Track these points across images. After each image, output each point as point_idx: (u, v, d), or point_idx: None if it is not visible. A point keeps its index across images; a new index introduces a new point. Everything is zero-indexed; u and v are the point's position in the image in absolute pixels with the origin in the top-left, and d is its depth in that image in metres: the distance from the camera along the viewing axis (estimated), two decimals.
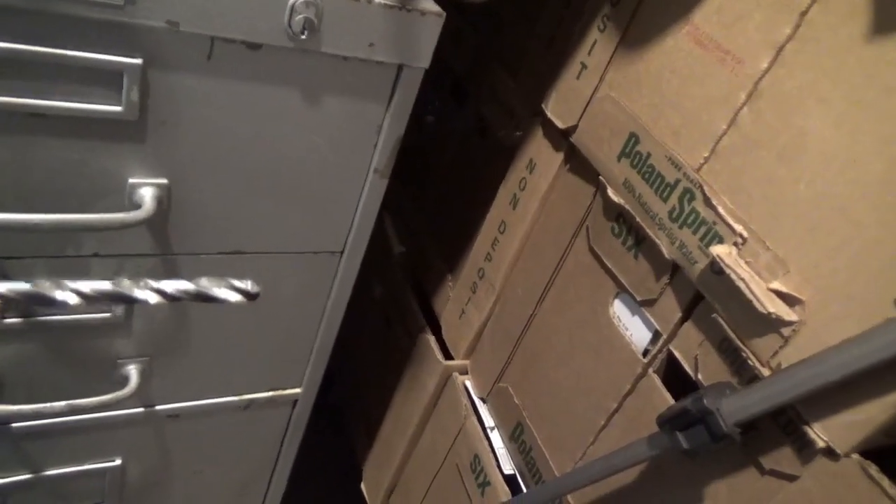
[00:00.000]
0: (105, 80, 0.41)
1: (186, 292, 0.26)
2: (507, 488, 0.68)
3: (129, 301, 0.26)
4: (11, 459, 0.59)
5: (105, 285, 0.26)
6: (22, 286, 0.25)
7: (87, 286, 0.26)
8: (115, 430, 0.62)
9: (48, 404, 0.52)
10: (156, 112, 0.43)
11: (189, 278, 0.26)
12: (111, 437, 0.62)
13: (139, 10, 0.38)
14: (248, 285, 0.27)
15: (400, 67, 0.48)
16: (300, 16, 0.41)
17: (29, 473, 0.61)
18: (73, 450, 0.62)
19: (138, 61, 0.40)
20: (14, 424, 0.56)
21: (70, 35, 0.38)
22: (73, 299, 0.26)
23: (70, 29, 0.38)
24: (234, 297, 0.27)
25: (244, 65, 0.43)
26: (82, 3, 0.37)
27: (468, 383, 0.78)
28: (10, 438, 0.57)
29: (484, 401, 0.77)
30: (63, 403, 0.52)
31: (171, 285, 0.26)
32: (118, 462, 0.64)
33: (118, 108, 0.42)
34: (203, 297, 0.27)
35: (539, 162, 0.66)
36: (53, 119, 0.41)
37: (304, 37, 0.42)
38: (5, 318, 0.48)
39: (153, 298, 0.27)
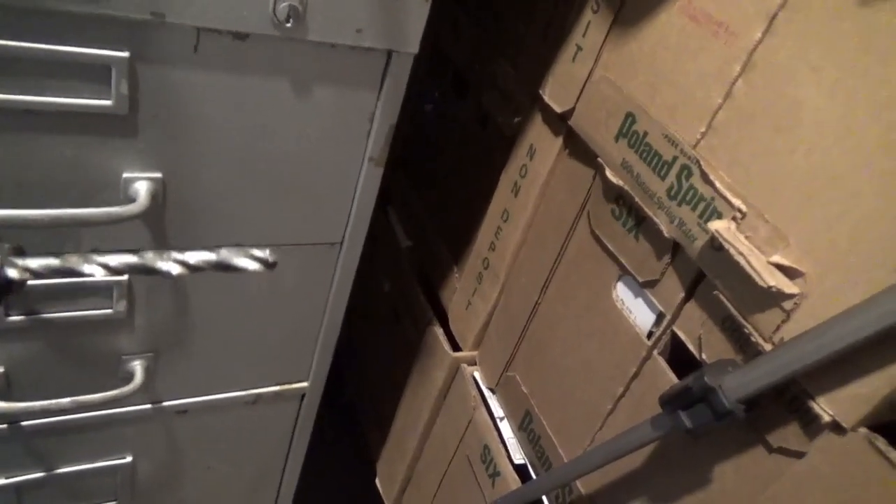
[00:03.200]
0: (94, 75, 0.41)
1: (208, 262, 0.28)
2: (517, 478, 0.68)
3: (154, 273, 0.27)
4: (24, 457, 0.60)
5: (130, 258, 0.27)
6: (51, 261, 0.26)
7: (113, 259, 0.27)
8: (125, 426, 0.62)
9: (54, 401, 0.53)
10: (146, 106, 0.44)
11: (210, 249, 0.27)
12: (121, 434, 0.63)
13: (123, 2, 0.39)
14: (266, 254, 0.28)
15: (389, 54, 0.48)
16: (284, 3, 0.41)
17: (42, 471, 0.62)
18: (84, 447, 0.62)
19: (125, 54, 0.41)
20: (24, 422, 0.57)
21: (56, 30, 0.38)
22: (99, 272, 0.27)
23: (56, 24, 0.38)
24: (254, 266, 0.28)
25: (232, 56, 0.44)
26: None
27: (477, 374, 0.78)
28: (21, 436, 0.58)
29: (493, 391, 0.76)
30: (69, 400, 0.53)
31: (194, 256, 0.28)
32: (129, 459, 0.65)
33: (108, 103, 0.42)
34: (224, 267, 0.28)
35: (539, 148, 0.66)
36: (45, 115, 0.41)
37: (289, 25, 0.42)
38: (10, 315, 0.49)
39: (176, 269, 0.27)
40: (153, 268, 0.27)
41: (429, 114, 0.93)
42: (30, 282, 0.27)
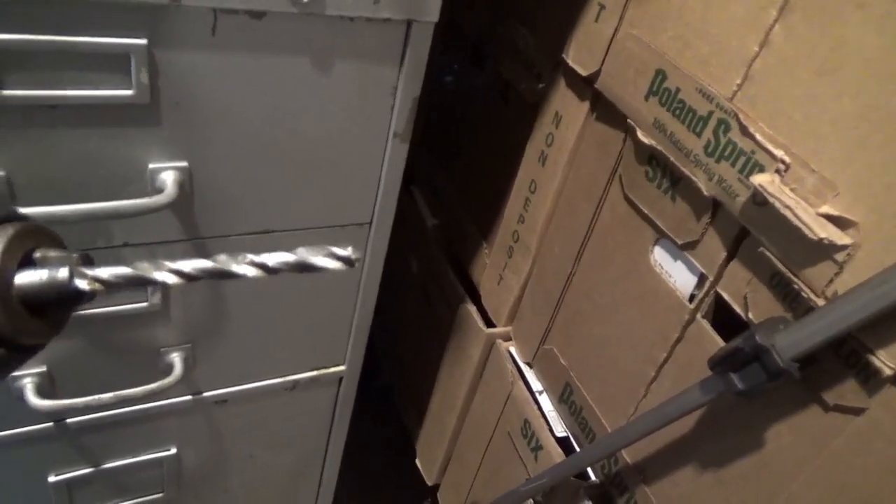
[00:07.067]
0: (113, 64, 0.40)
1: (287, 263, 0.25)
2: (560, 451, 0.67)
3: (230, 276, 0.26)
4: (72, 454, 0.61)
5: (205, 263, 0.25)
6: (123, 270, 0.25)
7: (187, 265, 0.25)
8: (167, 419, 0.63)
9: (96, 396, 0.53)
10: (168, 93, 0.43)
11: (288, 249, 0.26)
12: (164, 426, 0.63)
13: None
14: (348, 251, 0.26)
15: (409, 24, 0.46)
16: None
17: (90, 467, 0.63)
18: (129, 441, 0.63)
19: (143, 41, 0.40)
20: (69, 420, 0.58)
21: (72, 20, 0.38)
22: (172, 279, 0.25)
23: (72, 14, 0.38)
24: (335, 265, 0.26)
25: (250, 36, 0.43)
26: None
27: (512, 349, 0.77)
28: (67, 433, 0.59)
29: (530, 365, 0.75)
30: (111, 395, 0.53)
31: (272, 258, 0.25)
32: (173, 451, 0.66)
33: (129, 92, 0.41)
34: (304, 267, 0.26)
35: (565, 114, 0.64)
36: (68, 109, 0.41)
37: (305, 0, 0.41)
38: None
39: (252, 272, 0.25)
40: (229, 271, 0.25)
41: (448, 89, 0.91)
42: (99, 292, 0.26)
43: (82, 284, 0.25)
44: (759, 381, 0.41)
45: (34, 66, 0.39)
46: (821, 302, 0.41)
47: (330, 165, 0.52)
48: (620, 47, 0.55)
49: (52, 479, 0.61)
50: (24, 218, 0.26)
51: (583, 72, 0.59)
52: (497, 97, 0.77)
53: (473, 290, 0.83)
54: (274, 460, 0.75)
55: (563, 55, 0.61)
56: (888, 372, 0.37)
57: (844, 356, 0.40)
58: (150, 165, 0.45)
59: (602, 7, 0.57)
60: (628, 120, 0.55)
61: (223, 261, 0.25)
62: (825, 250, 0.39)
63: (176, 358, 0.57)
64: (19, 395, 0.52)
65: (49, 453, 0.60)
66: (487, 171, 0.81)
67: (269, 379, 0.65)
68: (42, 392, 0.53)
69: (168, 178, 0.46)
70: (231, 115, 0.46)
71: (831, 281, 0.40)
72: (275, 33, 0.43)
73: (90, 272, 0.25)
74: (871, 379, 0.39)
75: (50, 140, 0.42)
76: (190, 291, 0.54)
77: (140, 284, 0.25)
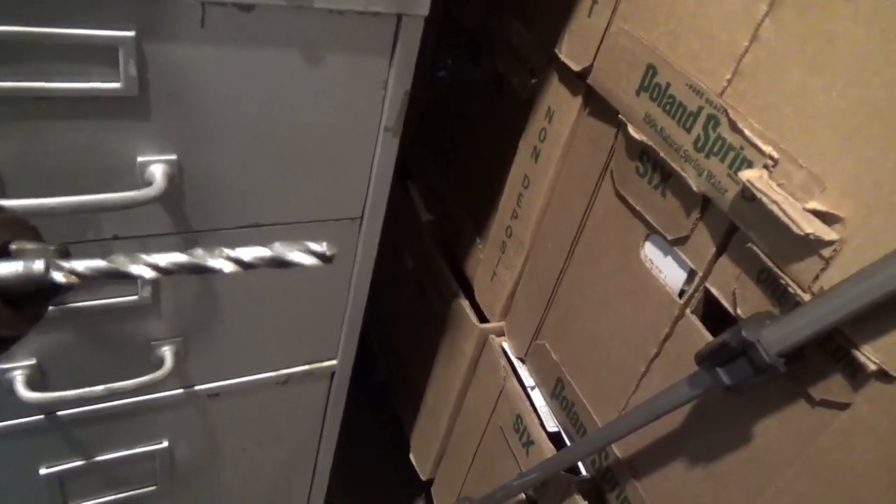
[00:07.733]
0: (102, 57, 0.40)
1: (262, 258, 0.25)
2: (551, 446, 0.67)
3: (206, 271, 0.26)
4: (63, 446, 0.61)
5: (180, 257, 0.25)
6: (98, 263, 0.25)
7: (163, 259, 0.25)
8: (159, 412, 0.63)
9: (88, 389, 0.53)
10: (156, 86, 0.43)
11: (263, 244, 0.26)
12: (156, 419, 0.64)
13: None
14: (323, 247, 0.26)
15: (399, 17, 0.46)
16: None
17: (82, 460, 0.63)
18: (121, 434, 0.63)
19: (131, 34, 0.40)
20: (60, 412, 0.58)
21: (60, 12, 0.38)
22: (148, 273, 0.25)
23: (59, 5, 0.37)
24: (310, 261, 0.25)
25: (239, 29, 0.43)
26: None
27: (505, 345, 0.77)
28: (59, 426, 0.59)
29: (522, 360, 0.76)
30: (102, 387, 0.53)
31: (248, 253, 0.25)
32: (165, 444, 0.66)
33: (118, 85, 0.41)
34: (279, 263, 0.25)
35: (557, 110, 0.64)
36: (57, 102, 0.41)
37: None
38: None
39: (228, 267, 0.25)
40: (205, 266, 0.25)
41: (443, 83, 0.91)
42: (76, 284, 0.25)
43: (58, 277, 0.25)
44: (745, 376, 0.41)
45: (21, 58, 0.39)
46: (807, 297, 0.41)
47: (320, 159, 0.52)
48: (612, 42, 0.55)
49: (43, 471, 0.61)
50: (1, 209, 0.26)
51: (575, 67, 0.59)
52: (492, 93, 0.77)
53: (468, 286, 0.83)
54: (267, 454, 0.75)
55: (556, 50, 0.61)
56: (873, 367, 0.37)
57: (831, 351, 0.40)
58: (139, 158, 0.45)
59: (595, 2, 0.56)
60: (620, 115, 0.55)
61: (199, 255, 0.25)
62: (812, 246, 0.40)
63: (167, 351, 0.57)
64: (9, 388, 0.52)
65: (40, 446, 0.60)
66: (482, 166, 0.81)
67: (262, 373, 0.65)
68: (32, 384, 0.53)
69: (157, 170, 0.46)
70: (220, 109, 0.46)
71: (817, 276, 0.40)
72: (264, 26, 0.43)
73: (66, 264, 0.25)
74: (856, 374, 0.39)
75: (37, 132, 0.42)
76: (180, 285, 0.54)
77: (116, 278, 0.25)
